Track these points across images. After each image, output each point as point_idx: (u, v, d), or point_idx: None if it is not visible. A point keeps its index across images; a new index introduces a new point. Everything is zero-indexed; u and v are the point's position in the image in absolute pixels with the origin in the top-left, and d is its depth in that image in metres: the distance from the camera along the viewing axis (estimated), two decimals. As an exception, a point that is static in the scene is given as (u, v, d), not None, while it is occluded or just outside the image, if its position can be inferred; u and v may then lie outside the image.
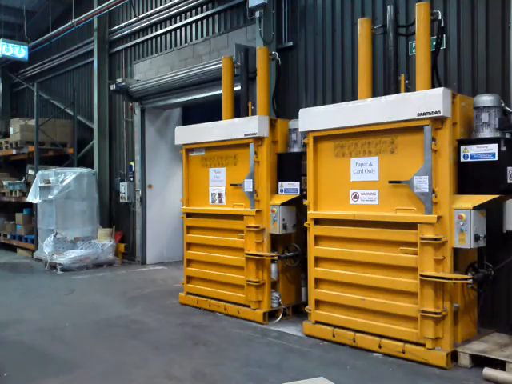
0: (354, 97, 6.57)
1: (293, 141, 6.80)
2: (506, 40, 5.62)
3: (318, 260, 6.02)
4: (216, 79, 8.56)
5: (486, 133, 5.08)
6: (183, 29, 10.36)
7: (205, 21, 9.81)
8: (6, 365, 5.20)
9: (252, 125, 6.66)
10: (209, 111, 9.58)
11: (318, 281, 6.02)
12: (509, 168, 4.95)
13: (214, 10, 9.52)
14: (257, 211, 6.67)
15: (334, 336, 5.73)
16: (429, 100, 4.94)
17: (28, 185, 13.04)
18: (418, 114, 5.00)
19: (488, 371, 4.61)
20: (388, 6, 5.84)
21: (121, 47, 12.23)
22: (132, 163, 11.76)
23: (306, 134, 6.17)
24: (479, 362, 4.86)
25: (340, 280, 5.78)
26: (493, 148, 4.87)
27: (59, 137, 13.33)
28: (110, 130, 12.66)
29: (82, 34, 13.32)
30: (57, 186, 11.60)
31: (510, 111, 5.35)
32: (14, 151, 13.84)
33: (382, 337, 5.35)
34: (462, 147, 5.06)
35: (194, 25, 10.08)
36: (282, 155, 6.79)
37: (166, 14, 10.67)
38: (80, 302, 8.11)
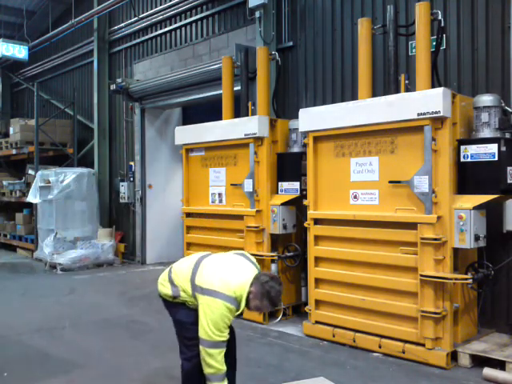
0: (354, 97, 6.56)
1: (293, 141, 6.80)
2: (506, 40, 5.62)
3: (317, 260, 6.02)
4: (216, 79, 8.55)
5: (486, 133, 5.08)
6: (183, 29, 10.36)
7: (205, 21, 9.81)
8: (6, 365, 5.20)
9: (252, 125, 6.66)
10: (209, 111, 9.57)
11: (318, 281, 6.02)
12: (509, 168, 4.95)
13: (213, 10, 9.52)
14: (257, 211, 6.67)
15: (333, 336, 5.73)
16: (429, 100, 4.93)
17: (28, 185, 13.03)
18: (418, 114, 5.00)
19: (488, 371, 4.61)
20: (388, 6, 5.83)
21: (121, 47, 12.21)
22: (132, 163, 11.75)
23: (305, 134, 6.16)
24: (479, 361, 4.87)
25: (340, 280, 5.78)
26: (493, 148, 4.87)
27: (59, 137, 13.31)
28: (110, 130, 12.65)
29: (81, 33, 13.31)
30: (57, 186, 11.59)
31: (510, 111, 5.34)
32: (13, 151, 13.82)
33: (382, 337, 5.35)
34: (462, 147, 5.06)
35: (193, 25, 10.08)
36: (281, 155, 6.79)
37: (165, 13, 10.66)
38: (80, 301, 8.10)
